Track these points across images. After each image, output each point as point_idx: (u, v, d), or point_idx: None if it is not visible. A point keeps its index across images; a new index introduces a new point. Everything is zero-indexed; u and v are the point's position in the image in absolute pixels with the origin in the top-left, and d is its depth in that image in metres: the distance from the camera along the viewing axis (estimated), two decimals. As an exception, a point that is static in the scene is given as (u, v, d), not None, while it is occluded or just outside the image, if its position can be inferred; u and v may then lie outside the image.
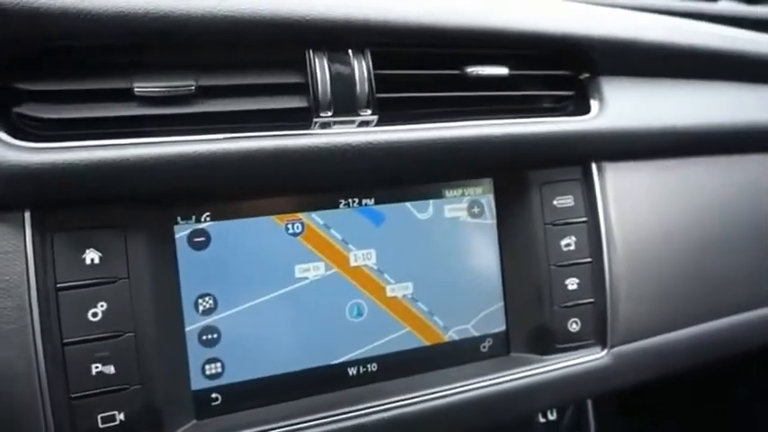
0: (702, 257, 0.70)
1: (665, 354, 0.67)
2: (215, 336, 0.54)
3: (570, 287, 0.62)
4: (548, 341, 0.62)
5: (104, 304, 0.47)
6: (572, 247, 0.63)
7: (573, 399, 0.64)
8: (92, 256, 0.47)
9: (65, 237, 0.47)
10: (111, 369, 0.47)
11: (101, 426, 0.47)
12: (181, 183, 0.48)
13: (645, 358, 0.65)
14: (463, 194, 0.62)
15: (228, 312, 0.54)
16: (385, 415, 0.54)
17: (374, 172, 0.56)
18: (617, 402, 0.78)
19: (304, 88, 0.53)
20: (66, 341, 0.46)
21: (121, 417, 0.48)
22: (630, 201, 0.65)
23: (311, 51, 0.53)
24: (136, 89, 0.48)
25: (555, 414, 0.67)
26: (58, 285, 0.46)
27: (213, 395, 0.54)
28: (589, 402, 0.68)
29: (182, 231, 0.52)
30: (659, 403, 1.20)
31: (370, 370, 0.59)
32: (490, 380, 0.59)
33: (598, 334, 0.63)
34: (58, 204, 0.46)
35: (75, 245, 0.47)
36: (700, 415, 1.23)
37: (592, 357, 0.63)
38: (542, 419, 0.66)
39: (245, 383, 0.55)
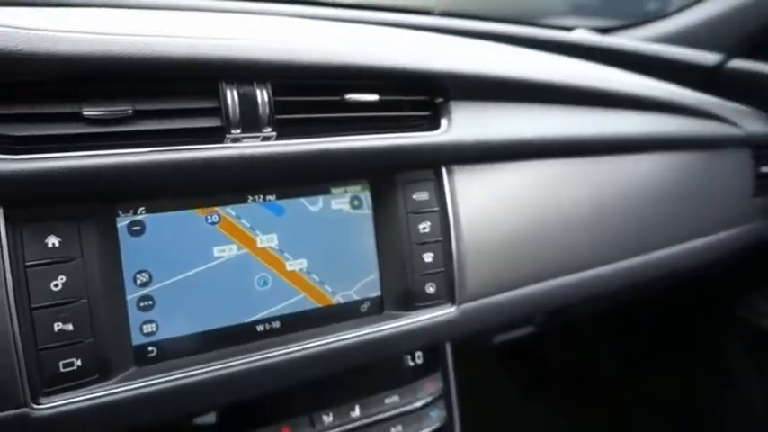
0: (531, 236, 0.93)
1: (501, 309, 0.89)
2: (150, 302, 0.69)
3: (426, 260, 0.83)
4: (411, 301, 0.82)
5: (63, 278, 0.62)
6: (427, 230, 0.83)
7: (431, 343, 0.84)
8: (53, 241, 0.62)
9: (31, 227, 0.61)
10: (69, 327, 0.62)
11: (62, 370, 0.61)
12: (121, 185, 0.64)
13: (485, 312, 0.87)
14: (346, 191, 0.81)
15: (161, 284, 0.69)
16: (285, 357, 0.72)
17: (274, 175, 0.73)
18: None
19: (218, 111, 0.69)
20: (33, 306, 0.60)
21: (78, 363, 0.62)
22: (473, 194, 0.86)
23: (223, 83, 0.69)
24: (84, 112, 0.62)
25: (422, 358, 0.87)
26: (27, 264, 0.60)
27: (150, 348, 0.69)
28: (447, 346, 0.89)
29: (122, 222, 0.67)
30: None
31: (274, 326, 0.76)
32: (367, 330, 0.78)
33: (448, 294, 0.84)
34: (27, 202, 0.60)
35: (39, 233, 0.61)
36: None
37: (444, 312, 0.83)
38: (411, 363, 0.87)
39: (176, 339, 0.70)
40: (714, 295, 1.58)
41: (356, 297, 0.81)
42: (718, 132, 1.23)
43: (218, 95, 0.69)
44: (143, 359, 0.69)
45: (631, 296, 1.37)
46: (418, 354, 0.88)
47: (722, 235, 1.24)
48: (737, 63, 1.46)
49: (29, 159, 0.59)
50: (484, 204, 0.88)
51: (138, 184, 0.65)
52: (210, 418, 0.76)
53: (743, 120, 1.28)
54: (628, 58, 1.45)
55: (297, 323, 0.77)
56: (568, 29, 1.55)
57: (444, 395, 0.89)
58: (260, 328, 0.75)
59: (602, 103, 1.05)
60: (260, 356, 0.71)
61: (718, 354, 1.59)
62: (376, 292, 0.83)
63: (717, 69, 1.47)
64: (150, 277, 0.69)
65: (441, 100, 0.87)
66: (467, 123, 0.86)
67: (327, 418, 0.78)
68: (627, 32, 1.64)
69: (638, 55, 1.48)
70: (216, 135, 0.69)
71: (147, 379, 0.65)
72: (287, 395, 0.77)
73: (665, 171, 1.14)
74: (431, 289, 0.83)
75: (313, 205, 0.79)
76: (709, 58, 1.47)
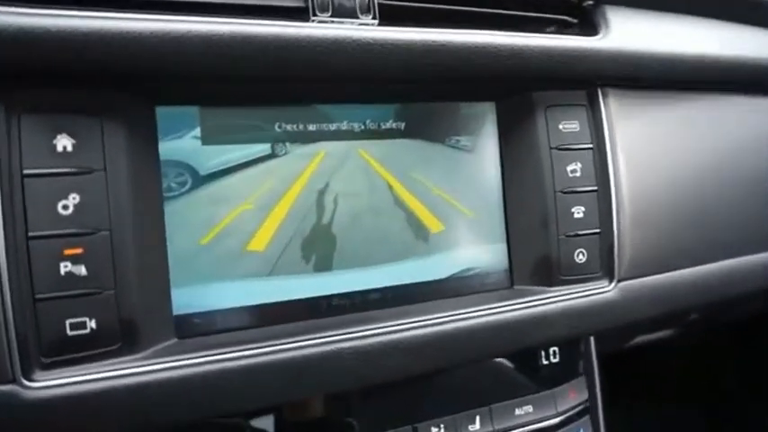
0: (705, 197, 0.68)
1: (669, 292, 0.64)
2: (199, 249, 0.49)
3: (576, 215, 0.59)
4: (553, 273, 0.58)
5: (77, 197, 0.42)
6: (578, 174, 0.60)
7: (579, 331, 0.60)
8: (64, 142, 0.42)
9: (34, 119, 0.41)
10: (81, 270, 0.42)
11: (69, 333, 0.41)
12: (164, 64, 0.43)
13: (650, 295, 0.62)
14: (461, 113, 0.59)
15: (216, 221, 0.49)
16: (375, 341, 0.50)
17: (375, 73, 0.51)
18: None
19: None
20: (31, 234, 0.41)
21: (92, 324, 0.42)
22: (636, 131, 0.63)
23: None
24: None
25: (558, 356, 0.63)
26: (25, 172, 0.41)
27: (196, 318, 0.48)
28: (592, 342, 0.65)
29: (164, 119, 0.47)
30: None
31: (363, 298, 0.54)
32: (492, 310, 0.55)
33: (605, 266, 0.60)
34: (26, 79, 0.41)
35: (45, 129, 0.42)
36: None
37: (599, 290, 0.59)
38: (545, 361, 0.63)
39: (233, 309, 0.50)
40: None
41: (476, 266, 0.59)
42: None
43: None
44: (187, 330, 0.48)
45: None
46: (553, 350, 0.63)
47: None
48: None
49: (38, 14, 0.40)
50: (649, 146, 0.64)
51: (187, 65, 0.44)
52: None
53: None
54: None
55: (397, 298, 0.55)
56: None
57: (591, 410, 0.64)
58: (342, 300, 0.53)
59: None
60: (345, 336, 0.49)
61: None
62: (503, 260, 0.60)
63: None
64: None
65: (590, 3, 0.64)
66: (630, 30, 0.62)
67: None
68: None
69: None
70: (298, 16, 0.49)
71: (193, 356, 0.45)
72: (383, 397, 0.55)
73: None
74: (581, 257, 0.59)
75: (409, 131, 0.57)
76: None
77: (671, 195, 0.65)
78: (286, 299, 0.52)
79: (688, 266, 0.66)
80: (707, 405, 1.36)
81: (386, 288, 0.55)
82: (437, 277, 0.57)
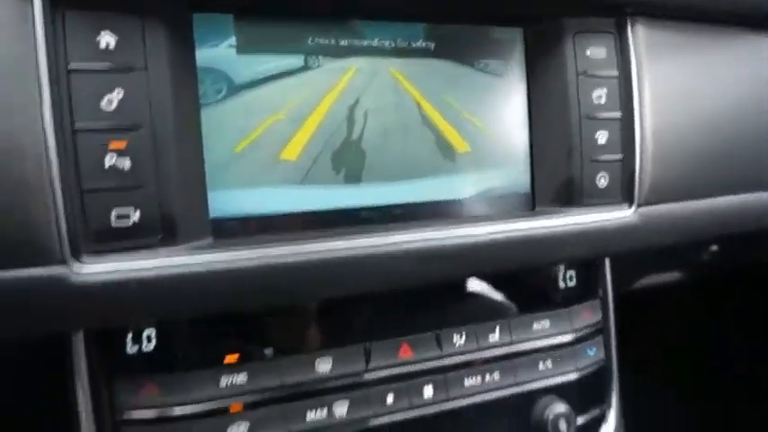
0: (726, 131, 0.68)
1: (687, 220, 0.65)
2: (235, 155, 0.50)
3: (600, 141, 0.60)
4: (574, 196, 0.60)
5: (120, 92, 0.43)
6: (603, 100, 0.60)
7: (597, 252, 0.62)
8: (107, 39, 0.43)
9: (78, 15, 0.42)
10: (125, 163, 0.44)
11: (114, 224, 0.44)
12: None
13: (669, 221, 0.64)
14: (489, 39, 0.60)
15: (252, 127, 0.51)
16: (404, 247, 0.52)
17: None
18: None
19: None
20: (78, 128, 0.42)
21: (136, 216, 0.44)
22: (662, 62, 0.63)
23: None
24: None
25: (575, 280, 0.65)
26: (70, 67, 0.42)
27: (230, 221, 0.51)
28: (608, 266, 0.67)
29: (201, 25, 0.49)
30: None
31: (395, 213, 0.56)
32: (513, 226, 0.57)
33: (625, 192, 0.61)
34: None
35: (88, 25, 0.43)
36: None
37: (619, 214, 0.60)
38: (562, 284, 0.65)
39: (266, 215, 0.52)
40: None
41: (500, 186, 0.60)
42: None
43: None
44: (221, 232, 0.50)
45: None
46: (571, 274, 0.65)
47: None
48: None
49: None
50: (675, 78, 0.64)
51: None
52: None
53: None
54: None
55: (417, 213, 0.57)
56: None
57: (604, 331, 0.66)
58: (370, 213, 0.55)
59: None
60: (372, 242, 0.51)
61: None
62: (526, 182, 0.61)
63: None
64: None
65: None
66: (661, -44, 0.62)
67: (458, 339, 0.58)
68: None
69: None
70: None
71: (227, 252, 0.47)
72: (410, 305, 0.57)
73: None
74: (602, 181, 0.60)
75: (439, 52, 0.57)
76: None
77: (693, 127, 0.66)
78: (316, 208, 0.54)
79: (706, 197, 0.67)
80: (714, 365, 1.39)
81: (411, 204, 0.57)
82: (461, 197, 0.59)
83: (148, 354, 0.49)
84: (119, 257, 0.44)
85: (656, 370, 1.35)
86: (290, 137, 0.52)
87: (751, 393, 1.27)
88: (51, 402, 0.53)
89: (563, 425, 0.59)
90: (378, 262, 0.51)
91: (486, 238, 0.55)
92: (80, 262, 0.43)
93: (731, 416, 1.31)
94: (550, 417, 0.59)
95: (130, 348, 0.49)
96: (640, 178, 0.61)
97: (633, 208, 0.61)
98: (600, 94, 0.60)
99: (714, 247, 0.81)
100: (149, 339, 0.50)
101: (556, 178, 0.61)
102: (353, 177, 0.55)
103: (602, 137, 0.60)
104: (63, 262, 0.42)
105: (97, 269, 0.43)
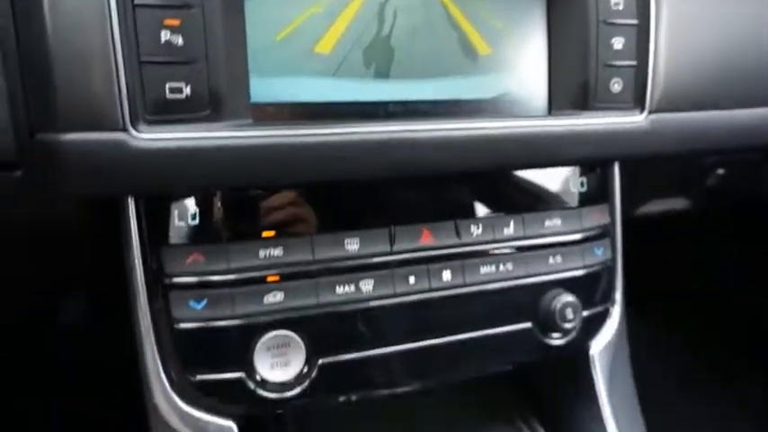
0: (741, 47, 0.70)
1: (695, 130, 0.69)
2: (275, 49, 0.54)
3: (616, 46, 0.63)
4: (589, 100, 0.63)
5: (174, -27, 0.47)
6: (620, 7, 0.63)
7: (608, 153, 0.66)
8: None
9: None
10: (179, 39, 0.48)
11: (168, 96, 0.48)
12: None
13: (678, 129, 0.67)
14: None
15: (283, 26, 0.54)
16: (428, 135, 0.56)
17: None
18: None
19: None
20: (137, 2, 0.46)
21: (188, 90, 0.48)
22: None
23: None
24: None
25: (586, 185, 0.69)
26: (128, -56, 0.46)
27: (269, 107, 0.55)
28: (617, 171, 0.71)
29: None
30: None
31: (420, 108, 0.60)
32: (529, 123, 0.61)
33: (638, 97, 0.65)
34: None
35: None
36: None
37: (630, 119, 0.64)
38: (573, 189, 0.69)
39: (296, 103, 0.56)
40: None
41: (514, 90, 0.64)
42: None
43: None
44: (261, 115, 0.54)
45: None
46: (582, 180, 0.69)
47: None
48: None
49: None
50: (692, -9, 0.67)
51: None
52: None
53: None
54: None
55: (441, 109, 0.61)
56: None
57: (611, 233, 0.71)
58: (397, 107, 0.59)
59: None
60: (398, 130, 0.55)
61: None
62: (543, 86, 0.65)
63: None
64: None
65: None
66: None
67: (476, 230, 0.62)
68: None
69: None
70: None
71: (267, 131, 0.51)
72: (431, 195, 0.62)
73: None
74: (616, 86, 0.64)
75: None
76: None
77: (707, 40, 0.68)
78: (347, 99, 0.58)
79: (716, 109, 0.70)
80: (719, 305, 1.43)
81: (435, 101, 0.60)
82: (482, 97, 0.62)
83: (194, 226, 0.54)
84: (171, 128, 0.48)
85: (657, 306, 1.40)
86: (325, 30, 0.56)
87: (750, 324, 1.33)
88: (106, 269, 0.58)
89: (570, 312, 0.64)
90: (402, 147, 0.55)
91: (502, 131, 0.59)
92: (137, 130, 0.47)
93: (730, 344, 1.36)
94: (558, 306, 0.64)
95: (178, 221, 0.54)
96: (652, 85, 0.65)
97: (644, 114, 0.65)
98: (617, 1, 0.63)
99: (720, 171, 0.85)
100: (195, 215, 0.54)
101: (572, 83, 0.64)
102: (382, 73, 0.58)
103: (617, 42, 0.63)
104: (124, 129, 0.47)
105: (153, 136, 0.48)
